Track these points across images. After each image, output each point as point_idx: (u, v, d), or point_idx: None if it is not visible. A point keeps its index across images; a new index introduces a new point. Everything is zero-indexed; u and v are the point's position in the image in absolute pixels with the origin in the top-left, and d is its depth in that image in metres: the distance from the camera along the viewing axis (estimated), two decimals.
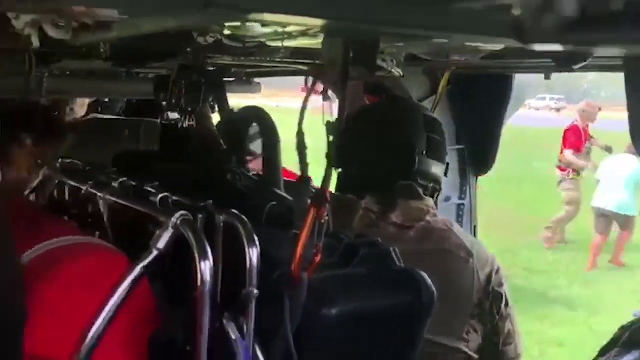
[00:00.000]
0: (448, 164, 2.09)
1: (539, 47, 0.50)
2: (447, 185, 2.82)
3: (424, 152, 2.00)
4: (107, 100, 4.06)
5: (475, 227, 2.88)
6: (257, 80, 3.48)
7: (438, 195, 2.09)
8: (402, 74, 2.12)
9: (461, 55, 1.97)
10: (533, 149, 15.65)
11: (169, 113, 2.32)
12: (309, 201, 1.20)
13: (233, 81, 3.28)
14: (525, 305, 6.15)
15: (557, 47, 0.49)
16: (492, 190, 8.01)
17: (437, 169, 2.02)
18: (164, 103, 2.42)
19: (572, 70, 1.51)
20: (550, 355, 5.18)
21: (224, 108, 2.28)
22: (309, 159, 1.47)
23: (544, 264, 7.38)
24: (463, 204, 2.86)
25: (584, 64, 1.31)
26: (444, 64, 2.46)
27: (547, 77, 2.16)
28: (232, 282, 1.16)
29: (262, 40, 1.64)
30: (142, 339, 1.18)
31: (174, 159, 1.79)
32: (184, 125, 2.15)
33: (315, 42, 1.57)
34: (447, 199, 2.81)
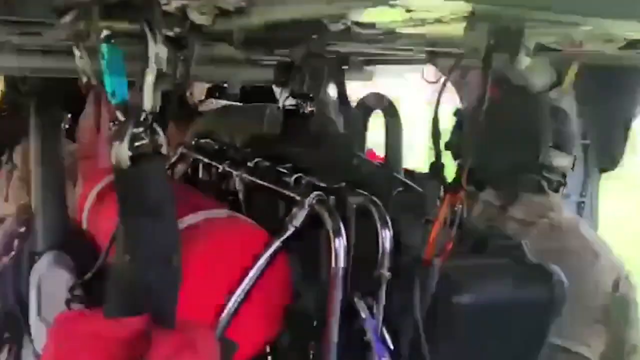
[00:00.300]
0: (575, 156, 1.99)
1: None
2: (567, 181, 2.71)
3: (550, 144, 1.92)
4: (224, 85, 4.23)
5: (595, 227, 2.74)
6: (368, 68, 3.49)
7: (563, 190, 2.00)
8: (529, 63, 2.05)
9: (595, 44, 1.87)
10: None
11: (291, 99, 2.40)
12: (442, 189, 1.20)
13: (346, 68, 3.32)
14: None
15: None
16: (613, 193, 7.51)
17: (563, 161, 1.94)
18: (283, 89, 2.51)
19: None
20: None
21: (343, 95, 2.31)
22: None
23: None
24: (583, 202, 2.72)
25: None
26: (573, 55, 2.35)
27: None
28: (363, 262, 1.18)
29: (392, 27, 1.64)
30: (277, 310, 1.24)
31: (297, 143, 1.85)
32: (305, 111, 2.21)
33: (449, 29, 1.56)
34: (567, 196, 2.69)
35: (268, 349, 1.33)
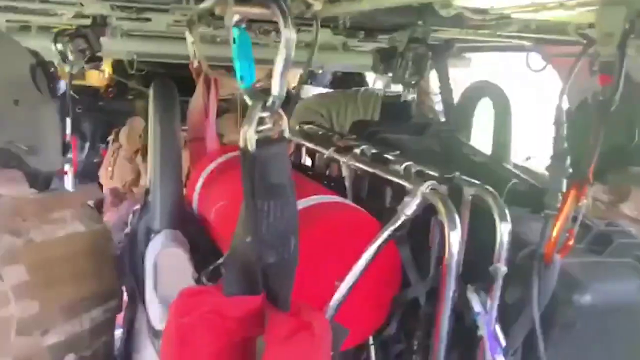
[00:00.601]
0: None
1: None
2: None
3: None
4: (320, 72, 4.25)
5: None
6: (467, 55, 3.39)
7: None
8: None
9: None
10: None
11: (392, 85, 2.37)
12: (565, 181, 1.14)
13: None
14: None
15: None
16: None
17: None
18: (381, 76, 2.48)
19: None
20: None
21: (445, 82, 2.25)
22: None
23: None
24: None
25: None
26: None
27: None
28: (477, 255, 1.15)
29: (507, 13, 1.58)
30: (386, 297, 1.23)
31: (400, 130, 1.82)
32: (406, 99, 2.18)
33: (568, 15, 1.48)
34: None
35: (371, 340, 1.33)
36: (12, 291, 1.17)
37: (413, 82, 2.11)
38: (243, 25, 0.94)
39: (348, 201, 1.34)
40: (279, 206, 0.97)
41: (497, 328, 1.14)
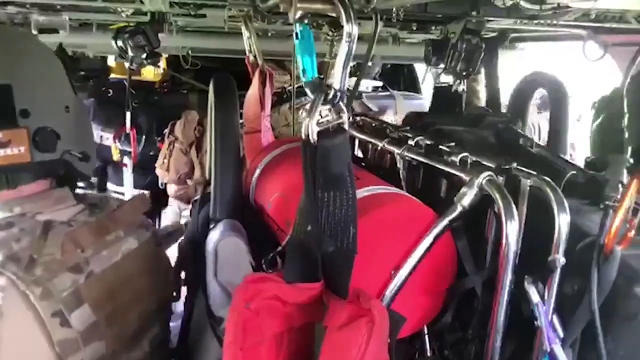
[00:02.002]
0: None
1: None
2: None
3: None
4: (369, 64, 4.25)
5: None
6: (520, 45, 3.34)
7: None
8: None
9: None
10: None
11: (444, 76, 2.36)
12: (626, 172, 1.13)
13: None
14: None
15: None
16: None
17: None
18: (432, 67, 2.47)
19: None
20: None
21: (493, 74, 2.23)
22: None
23: None
24: None
25: None
26: None
27: None
28: (535, 246, 1.15)
29: (566, 1, 1.56)
30: (442, 287, 1.25)
31: (454, 121, 1.82)
32: (458, 89, 2.17)
33: (627, 3, 1.45)
34: None
35: (426, 329, 1.35)
36: (81, 337, 1.12)
37: (465, 74, 2.10)
38: (306, 21, 0.97)
39: (404, 192, 1.36)
40: (339, 196, 1.00)
41: (555, 319, 1.14)
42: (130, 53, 2.29)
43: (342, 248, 1.03)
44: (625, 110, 1.21)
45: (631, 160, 1.14)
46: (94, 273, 1.21)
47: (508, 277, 1.13)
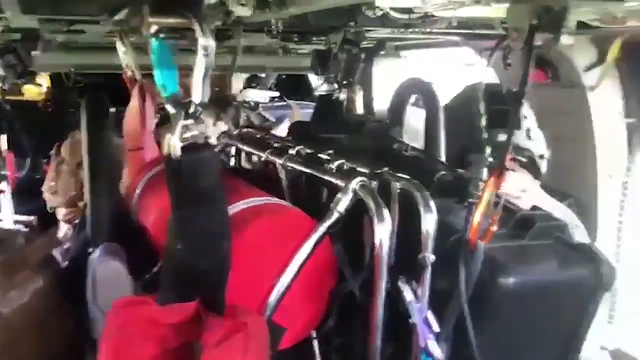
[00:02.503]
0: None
1: None
2: (610, 160, 2.64)
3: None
4: (263, 75, 4.27)
5: None
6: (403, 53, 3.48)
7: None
8: (572, 42, 2.01)
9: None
10: None
11: (326, 85, 2.41)
12: (485, 170, 1.20)
13: (382, 55, 3.31)
14: None
15: None
16: None
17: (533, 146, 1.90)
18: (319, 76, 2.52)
19: None
20: None
21: (368, 82, 2.31)
22: None
23: None
24: (627, 182, 2.66)
25: None
26: (615, 32, 2.29)
27: None
28: (408, 246, 1.20)
29: (429, 11, 1.64)
30: (322, 294, 1.26)
31: (334, 129, 1.86)
32: (339, 98, 2.23)
33: (487, 11, 1.54)
34: (611, 176, 2.64)
35: (314, 334, 1.36)
36: None
37: (345, 82, 2.16)
38: (162, 35, 0.96)
39: (283, 202, 1.37)
40: (208, 212, 0.99)
41: (430, 315, 1.18)
42: (1, 72, 2.16)
43: (214, 265, 1.02)
44: (483, 111, 1.29)
45: (490, 159, 1.22)
46: (2, 315, 1.15)
47: (383, 278, 1.17)
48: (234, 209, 1.21)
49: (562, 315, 1.24)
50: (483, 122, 1.28)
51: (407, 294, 1.16)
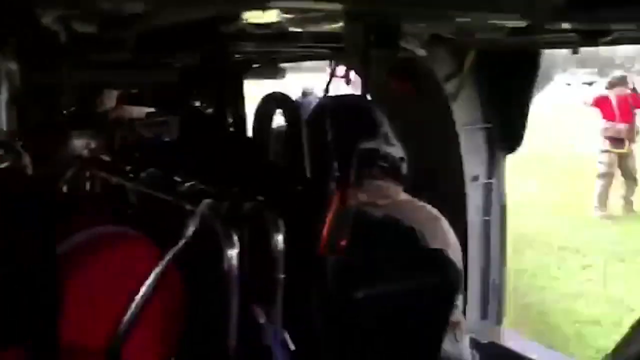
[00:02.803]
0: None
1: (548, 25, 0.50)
2: (474, 164, 2.80)
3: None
4: (135, 91, 4.11)
5: (504, 207, 2.86)
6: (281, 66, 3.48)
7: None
8: (425, 54, 2.10)
9: (485, 33, 1.94)
10: (564, 125, 15.30)
11: (193, 101, 2.36)
12: (335, 184, 1.20)
13: (259, 67, 3.30)
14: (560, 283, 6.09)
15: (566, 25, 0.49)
16: (522, 168, 7.88)
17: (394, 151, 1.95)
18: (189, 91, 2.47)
19: (598, 44, 1.48)
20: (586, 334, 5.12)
21: (237, 96, 2.29)
22: None
23: (578, 241, 7.28)
24: (491, 183, 2.83)
25: (609, 38, 1.28)
26: (469, 43, 2.43)
27: (575, 52, 2.11)
28: (260, 267, 1.17)
29: (285, 26, 1.64)
30: (173, 324, 1.21)
31: (198, 146, 1.82)
32: (207, 113, 2.19)
33: (338, 26, 1.57)
34: (475, 178, 2.79)
35: None
36: None
37: (212, 99, 2.13)
38: None
39: (128, 230, 1.30)
40: (27, 251, 0.91)
41: (286, 335, 1.17)
42: None
43: (41, 306, 0.94)
44: (329, 127, 1.30)
45: (337, 174, 1.23)
46: None
47: (235, 302, 1.14)
48: (69, 241, 1.12)
49: (416, 321, 1.27)
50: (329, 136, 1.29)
51: (260, 317, 1.14)
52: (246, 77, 3.65)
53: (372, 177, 1.87)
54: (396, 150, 1.97)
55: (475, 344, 2.16)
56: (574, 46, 1.93)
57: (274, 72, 3.28)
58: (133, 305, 1.12)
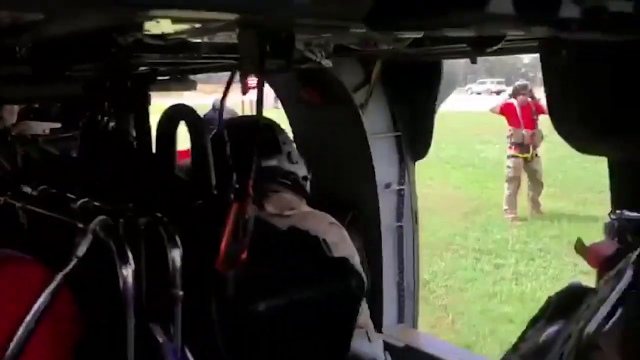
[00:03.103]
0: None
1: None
2: (386, 172, 2.86)
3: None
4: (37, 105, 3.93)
5: (415, 212, 2.93)
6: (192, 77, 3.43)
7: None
8: (331, 65, 2.12)
9: (387, 43, 1.99)
10: (475, 132, 15.99)
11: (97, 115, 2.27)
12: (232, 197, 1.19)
13: (167, 79, 3.23)
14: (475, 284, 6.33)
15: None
16: (436, 174, 8.16)
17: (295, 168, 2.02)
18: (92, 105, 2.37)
19: (487, 54, 1.55)
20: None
21: (141, 110, 2.22)
22: None
23: (491, 242, 7.61)
24: (403, 190, 2.90)
25: (497, 47, 1.34)
26: (374, 54, 2.49)
27: (473, 62, 2.20)
28: (158, 284, 1.14)
29: (184, 36, 1.61)
30: (66, 345, 1.15)
31: (99, 162, 1.75)
32: (110, 128, 2.11)
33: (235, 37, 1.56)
34: (388, 186, 2.85)
35: None
36: None
37: (114, 112, 2.05)
38: None
39: (14, 252, 1.23)
40: None
41: (187, 352, 1.14)
42: None
43: None
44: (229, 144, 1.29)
45: (237, 185, 1.21)
46: None
47: (131, 322, 1.10)
48: None
49: (321, 329, 1.27)
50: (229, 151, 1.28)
51: (159, 335, 1.11)
52: (154, 90, 3.57)
53: (274, 192, 1.90)
54: (298, 168, 2.01)
55: (390, 348, 2.20)
56: (467, 56, 2.02)
57: (184, 84, 3.22)
58: (20, 330, 1.06)
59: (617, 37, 0.77)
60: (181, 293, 1.11)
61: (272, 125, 2.09)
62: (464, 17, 0.47)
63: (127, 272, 1.09)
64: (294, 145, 2.08)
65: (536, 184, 8.79)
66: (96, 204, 1.26)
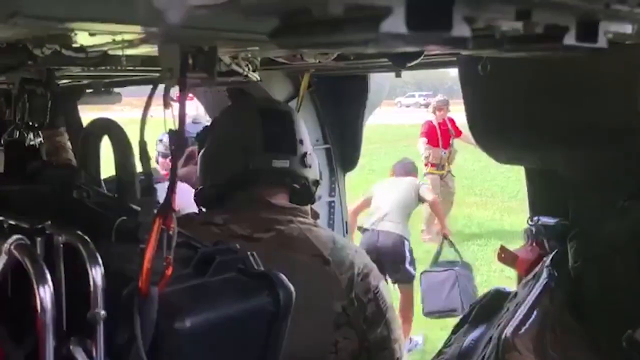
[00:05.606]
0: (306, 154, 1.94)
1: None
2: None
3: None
4: None
5: (346, 223, 2.98)
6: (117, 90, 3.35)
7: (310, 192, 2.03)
8: (259, 78, 2.13)
9: (312, 57, 2.02)
10: (402, 145, 16.38)
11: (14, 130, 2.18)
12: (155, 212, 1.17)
13: (91, 92, 3.14)
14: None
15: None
16: (363, 186, 8.27)
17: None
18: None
19: (407, 68, 1.61)
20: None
21: (74, 122, 2.17)
22: None
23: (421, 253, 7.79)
24: (333, 201, 2.94)
25: (416, 61, 1.39)
26: (302, 67, 2.52)
27: (398, 76, 2.27)
28: (80, 304, 1.10)
29: (104, 49, 1.58)
30: None
31: (17, 179, 1.68)
32: (30, 142, 2.03)
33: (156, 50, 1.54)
34: (318, 198, 2.88)
35: None
36: None
37: (36, 126, 1.98)
38: None
39: None
40: None
41: None
42: None
43: None
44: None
45: (160, 202, 1.20)
46: None
47: (50, 344, 1.05)
48: None
49: (249, 345, 1.26)
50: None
51: (81, 358, 1.07)
52: (81, 103, 3.46)
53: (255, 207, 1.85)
54: (312, 172, 1.96)
55: None
56: (391, 70, 2.08)
57: (108, 98, 3.14)
58: None
59: (513, 54, 0.82)
60: (103, 313, 1.08)
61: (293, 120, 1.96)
62: (358, 37, 0.49)
63: (45, 293, 1.04)
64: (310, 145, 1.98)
65: (446, 202, 8.83)
66: (12, 222, 1.21)
